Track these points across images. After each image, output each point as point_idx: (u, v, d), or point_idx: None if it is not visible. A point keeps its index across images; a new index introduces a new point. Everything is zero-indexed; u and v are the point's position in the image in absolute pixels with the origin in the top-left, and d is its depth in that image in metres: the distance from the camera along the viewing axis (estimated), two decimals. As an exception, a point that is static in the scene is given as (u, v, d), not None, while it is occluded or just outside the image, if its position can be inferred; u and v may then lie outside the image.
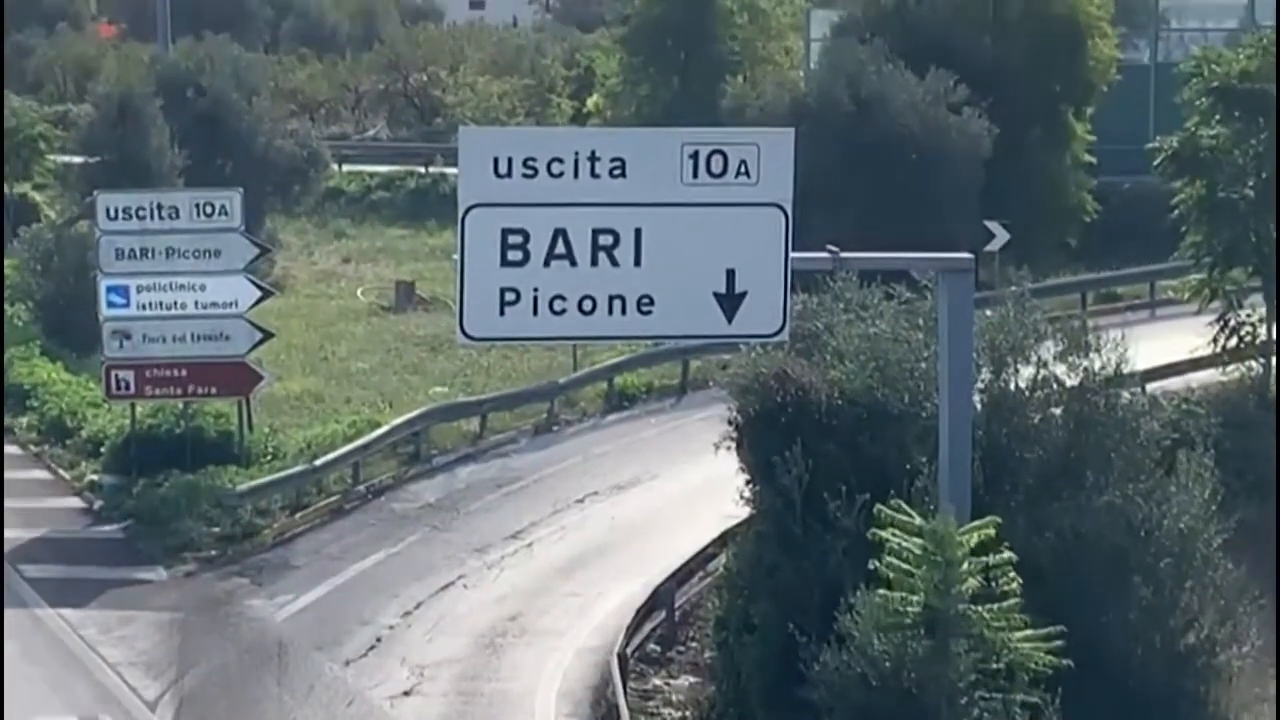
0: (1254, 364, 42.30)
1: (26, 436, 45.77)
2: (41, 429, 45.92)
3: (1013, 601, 24.37)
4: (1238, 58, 42.91)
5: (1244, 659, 28.08)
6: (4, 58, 70.00)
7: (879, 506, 25.04)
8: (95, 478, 42.20)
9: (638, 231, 25.43)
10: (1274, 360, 42.16)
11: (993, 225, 49.70)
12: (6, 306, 54.61)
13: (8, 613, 34.77)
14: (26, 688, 31.83)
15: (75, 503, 41.43)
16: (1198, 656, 27.59)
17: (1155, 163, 43.89)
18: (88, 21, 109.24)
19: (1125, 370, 28.97)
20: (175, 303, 41.72)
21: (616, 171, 25.36)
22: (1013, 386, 28.47)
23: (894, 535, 24.47)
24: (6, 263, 58.28)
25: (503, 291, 25.40)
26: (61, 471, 43.27)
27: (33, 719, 30.65)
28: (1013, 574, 24.42)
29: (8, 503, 40.73)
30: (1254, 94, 41.98)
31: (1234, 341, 42.38)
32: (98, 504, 40.95)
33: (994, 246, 48.67)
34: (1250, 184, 42.09)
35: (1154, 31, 64.85)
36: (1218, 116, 42.49)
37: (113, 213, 41.99)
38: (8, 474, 43.19)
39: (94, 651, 33.24)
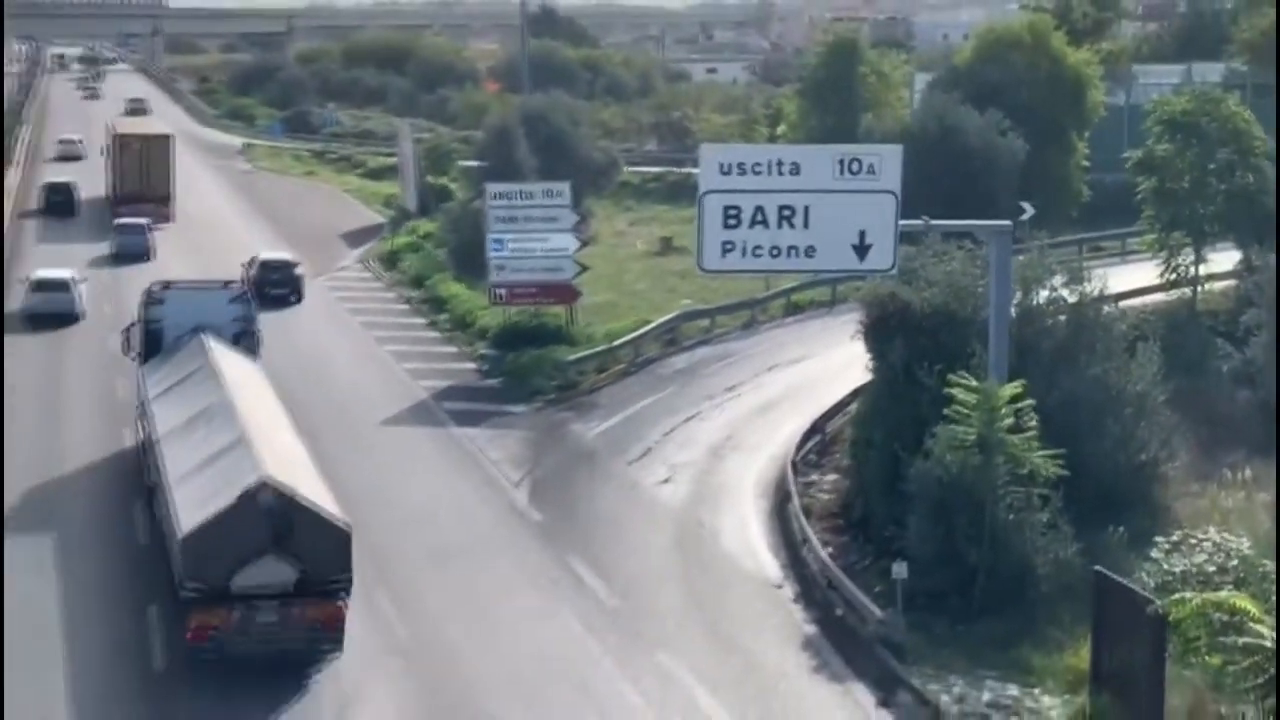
0: (1185, 290, 41.41)
1: (443, 327, 46.32)
2: (451, 323, 46.45)
3: (1032, 432, 23.96)
4: (1180, 102, 42.04)
5: (1176, 470, 27.56)
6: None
7: (950, 375, 24.71)
8: (484, 352, 42.75)
9: (806, 207, 25.17)
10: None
11: (1025, 204, 48.45)
12: (434, 250, 55.46)
13: (434, 429, 35.40)
14: (447, 473, 32.53)
15: (471, 366, 41.90)
16: (1147, 468, 27.09)
17: (1127, 166, 42.96)
18: (482, 81, 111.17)
19: (1105, 293, 28.40)
20: (531, 249, 42.12)
21: (794, 171, 25.12)
22: (1034, 303, 27.93)
23: (959, 391, 24.14)
24: (432, 224, 59.18)
25: (724, 243, 25.27)
26: (463, 347, 43.80)
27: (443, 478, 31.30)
28: (1033, 416, 24.00)
29: (435, 364, 41.49)
30: (1189, 124, 41.22)
31: (1174, 276, 41.54)
32: (484, 367, 41.51)
33: (1025, 217, 47.33)
34: (1185, 180, 41.19)
35: (1128, 84, 63.37)
36: (1166, 138, 41.59)
37: (495, 195, 42.39)
38: (435, 348, 44.01)
39: (482, 453, 33.81)
